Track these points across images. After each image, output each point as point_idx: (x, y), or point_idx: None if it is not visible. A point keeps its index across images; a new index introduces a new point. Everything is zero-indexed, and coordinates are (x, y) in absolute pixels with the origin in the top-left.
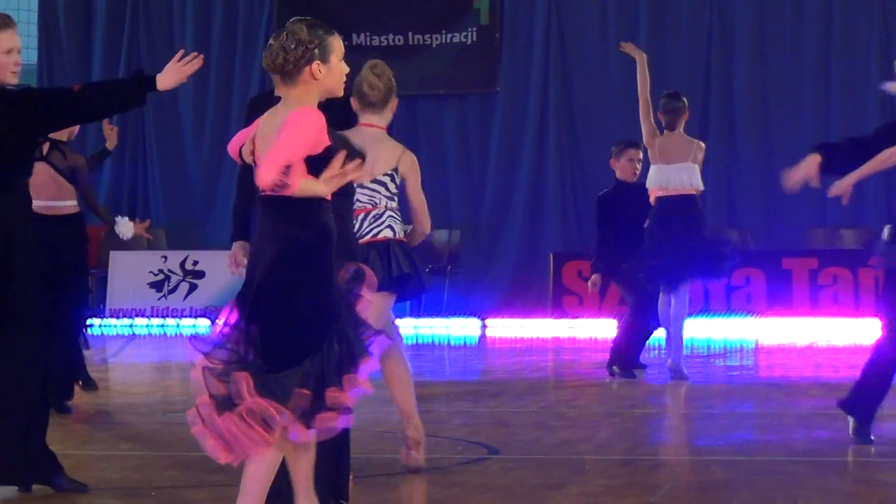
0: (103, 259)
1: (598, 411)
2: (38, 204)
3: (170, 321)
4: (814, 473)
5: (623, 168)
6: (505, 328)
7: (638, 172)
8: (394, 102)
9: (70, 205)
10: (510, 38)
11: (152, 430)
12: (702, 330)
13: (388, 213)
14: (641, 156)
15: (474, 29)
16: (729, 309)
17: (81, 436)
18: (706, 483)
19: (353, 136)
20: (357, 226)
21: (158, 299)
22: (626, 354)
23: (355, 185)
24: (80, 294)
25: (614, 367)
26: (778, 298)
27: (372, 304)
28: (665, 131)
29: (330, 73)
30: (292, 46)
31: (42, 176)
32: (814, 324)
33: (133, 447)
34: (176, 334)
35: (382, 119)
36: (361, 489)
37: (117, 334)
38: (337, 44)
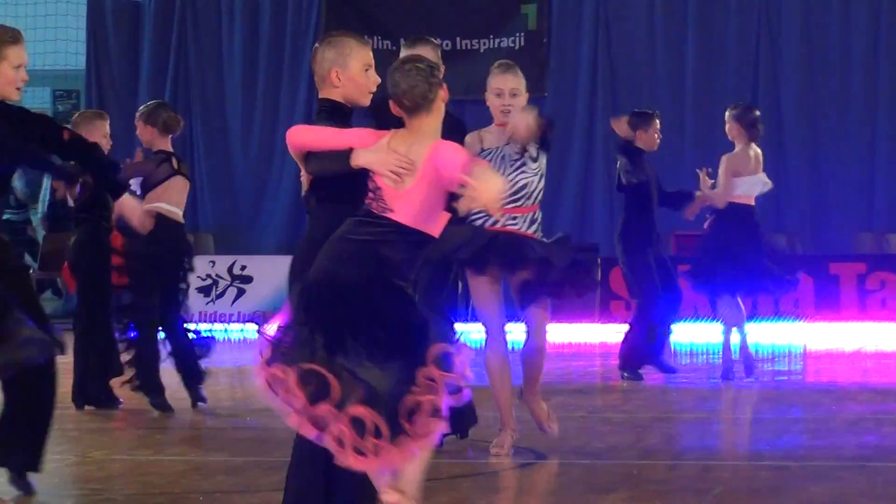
0: None
1: (645, 416)
2: (178, 212)
3: (217, 326)
4: (862, 479)
5: (650, 138)
6: (552, 333)
7: (657, 144)
8: None
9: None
10: (558, 43)
11: (201, 435)
12: (750, 335)
13: None
14: (659, 126)
15: (522, 34)
16: (777, 314)
17: (129, 441)
18: (754, 489)
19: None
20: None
21: (206, 304)
22: (632, 355)
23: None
24: (171, 298)
25: (624, 372)
26: (826, 303)
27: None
28: (748, 143)
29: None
30: (427, 74)
31: (178, 185)
32: (862, 328)
33: (181, 452)
34: (224, 339)
35: None
36: None
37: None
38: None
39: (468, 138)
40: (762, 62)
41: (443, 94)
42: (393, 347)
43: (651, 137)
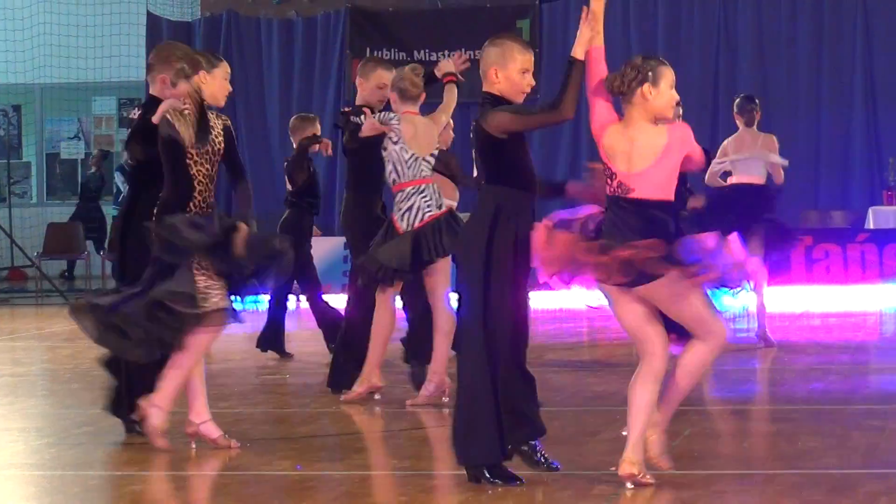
0: None
1: (627, 368)
2: None
3: (262, 297)
4: (812, 419)
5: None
6: (544, 300)
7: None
8: (423, 96)
9: None
10: (548, 53)
11: (247, 391)
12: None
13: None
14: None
15: None
16: None
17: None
18: (720, 429)
19: (408, 121)
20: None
21: None
22: None
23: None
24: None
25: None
26: (778, 270)
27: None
28: (744, 127)
29: (659, 95)
30: (627, 70)
31: None
32: (809, 291)
33: (230, 405)
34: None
35: (417, 108)
36: (393, 432)
37: None
38: (668, 72)
39: None
40: (721, 68)
41: (644, 90)
42: None
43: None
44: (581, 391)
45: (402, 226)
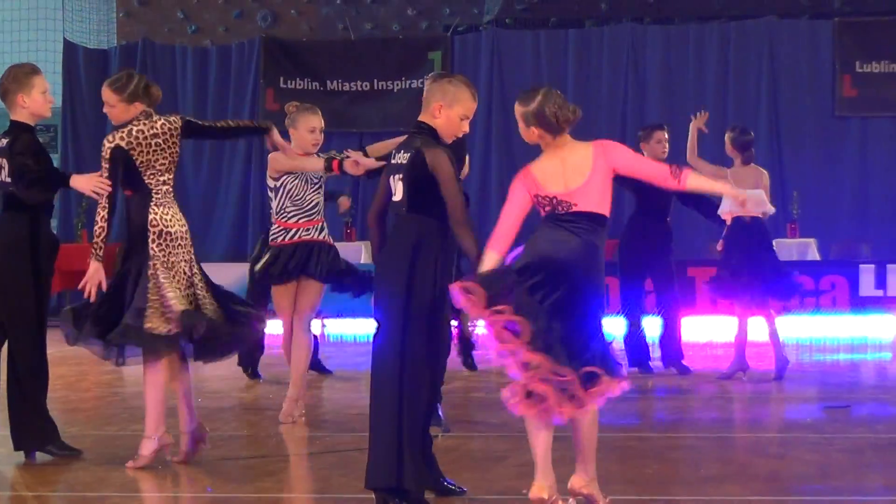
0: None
1: None
2: None
3: None
4: (714, 447)
5: (652, 149)
6: (455, 328)
7: (666, 152)
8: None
9: None
10: None
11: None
12: (619, 328)
13: None
14: (667, 136)
15: (429, 76)
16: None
17: (100, 419)
18: (625, 455)
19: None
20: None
21: None
22: (677, 348)
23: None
24: None
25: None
26: (684, 300)
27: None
28: (742, 164)
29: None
30: (561, 103)
31: None
32: (713, 321)
33: (143, 427)
34: None
35: None
36: (316, 461)
37: None
38: None
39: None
40: (630, 108)
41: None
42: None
43: (653, 147)
44: (488, 417)
45: None
